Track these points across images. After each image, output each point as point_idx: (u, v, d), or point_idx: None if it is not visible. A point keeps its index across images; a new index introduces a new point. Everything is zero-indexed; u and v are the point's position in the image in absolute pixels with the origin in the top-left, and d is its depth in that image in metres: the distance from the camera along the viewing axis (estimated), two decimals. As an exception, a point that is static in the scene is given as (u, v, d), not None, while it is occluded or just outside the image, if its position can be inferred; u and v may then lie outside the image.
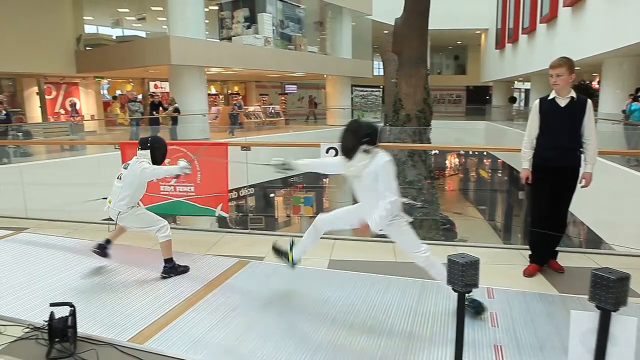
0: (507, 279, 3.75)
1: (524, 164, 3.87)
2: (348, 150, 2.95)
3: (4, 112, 11.89)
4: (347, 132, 2.97)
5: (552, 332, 2.92)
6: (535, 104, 3.82)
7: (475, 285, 1.98)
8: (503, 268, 4.01)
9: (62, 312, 2.76)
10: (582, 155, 3.69)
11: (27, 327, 2.99)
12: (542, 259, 3.95)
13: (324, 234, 3.42)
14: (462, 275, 1.94)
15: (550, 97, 3.71)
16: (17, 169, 6.89)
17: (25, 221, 5.88)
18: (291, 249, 3.47)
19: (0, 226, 5.56)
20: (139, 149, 3.96)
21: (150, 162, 3.91)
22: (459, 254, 2.00)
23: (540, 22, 16.69)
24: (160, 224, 3.94)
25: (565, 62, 3.59)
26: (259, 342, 2.83)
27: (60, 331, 2.71)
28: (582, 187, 3.71)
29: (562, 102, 3.65)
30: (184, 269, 3.99)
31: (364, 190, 3.03)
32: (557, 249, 4.01)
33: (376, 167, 2.88)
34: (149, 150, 3.92)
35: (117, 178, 3.95)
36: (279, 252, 3.50)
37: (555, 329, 2.94)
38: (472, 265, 1.94)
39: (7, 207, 6.28)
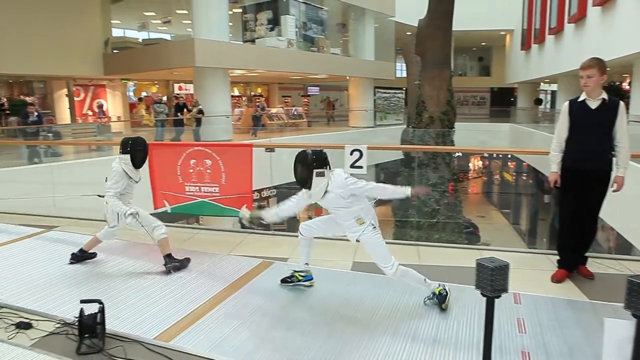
0: (534, 285, 3.67)
1: (552, 167, 3.79)
2: (304, 181, 3.13)
3: (36, 113, 12.25)
4: (296, 164, 3.15)
5: (582, 339, 2.85)
6: (564, 106, 3.73)
7: (505, 290, 1.94)
8: (529, 273, 3.94)
9: (91, 308, 2.82)
10: (614, 159, 3.59)
11: (58, 323, 3.06)
12: (571, 265, 3.85)
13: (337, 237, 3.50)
14: (492, 279, 1.90)
15: (581, 99, 3.62)
16: (48, 169, 7.07)
17: (55, 219, 6.03)
18: (293, 274, 3.64)
19: (31, 224, 5.71)
20: (120, 152, 4.00)
21: (130, 166, 3.96)
22: (488, 258, 1.97)
23: (568, 22, 16.33)
24: (155, 223, 4.04)
25: (597, 63, 3.51)
26: (282, 342, 2.84)
27: (90, 327, 2.77)
28: (613, 191, 3.61)
29: (593, 105, 3.55)
30: (187, 261, 4.11)
31: (336, 210, 3.18)
32: (587, 254, 3.91)
33: (341, 188, 3.06)
34: (129, 155, 3.97)
35: (105, 180, 4.03)
36: (287, 281, 3.66)
37: (586, 337, 2.87)
38: (502, 270, 1.91)
39: (38, 205, 6.45)
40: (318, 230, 3.47)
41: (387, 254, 3.13)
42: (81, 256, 4.26)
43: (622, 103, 3.58)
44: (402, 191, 3.14)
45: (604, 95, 3.54)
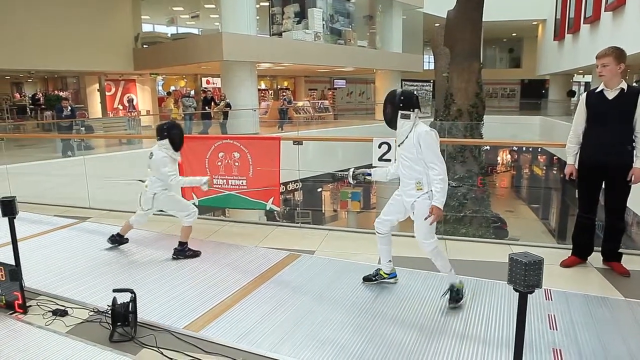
0: (565, 281, 3.58)
1: (569, 159, 3.78)
2: (389, 119, 3.12)
3: (69, 108, 12.62)
4: (385, 103, 3.14)
5: (617, 338, 2.76)
6: (582, 97, 3.68)
7: (539, 286, 1.90)
8: (559, 269, 3.84)
9: (123, 298, 2.90)
10: (635, 151, 3.48)
11: (92, 311, 3.16)
12: (583, 253, 3.86)
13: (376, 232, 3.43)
14: (525, 275, 1.86)
15: (599, 89, 3.55)
16: (81, 162, 7.27)
17: (88, 211, 6.21)
18: (378, 271, 3.58)
19: (66, 215, 5.90)
20: (157, 138, 4.15)
21: (171, 151, 4.13)
22: (522, 253, 1.92)
23: (606, 11, 15.75)
24: (191, 210, 4.23)
25: (612, 52, 3.42)
26: (308, 335, 2.86)
27: (122, 316, 2.85)
28: (630, 183, 3.51)
29: (611, 95, 3.47)
30: (194, 253, 4.23)
31: (406, 162, 3.10)
32: (622, 251, 3.80)
33: (418, 137, 2.99)
34: (167, 140, 4.11)
35: (148, 167, 4.21)
36: (370, 279, 3.59)
37: (621, 336, 2.79)
38: (536, 265, 1.86)
39: (72, 197, 6.65)
40: (392, 218, 3.35)
41: (431, 229, 3.08)
42: (118, 239, 4.49)
43: None
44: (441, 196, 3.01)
45: (623, 85, 3.44)
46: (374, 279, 3.57)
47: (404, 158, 3.12)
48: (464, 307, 3.17)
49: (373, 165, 4.60)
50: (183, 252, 4.20)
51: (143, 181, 4.27)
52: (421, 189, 3.06)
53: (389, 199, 3.36)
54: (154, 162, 4.12)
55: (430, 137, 2.97)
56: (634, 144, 3.46)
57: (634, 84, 3.39)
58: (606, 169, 3.55)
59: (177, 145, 4.18)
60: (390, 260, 3.52)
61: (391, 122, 3.11)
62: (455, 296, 3.17)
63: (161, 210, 4.43)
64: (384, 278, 3.55)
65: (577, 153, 3.71)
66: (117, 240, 4.49)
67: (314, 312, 3.16)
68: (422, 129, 3.01)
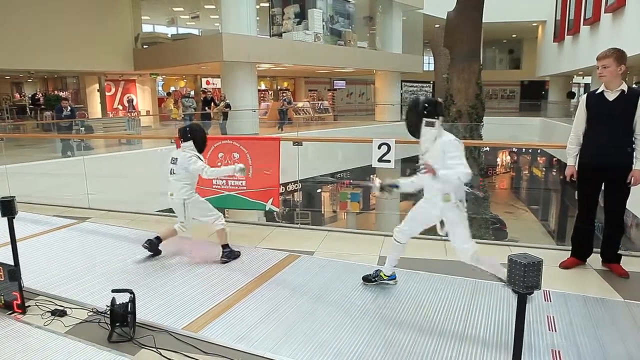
0: (564, 282, 3.58)
1: (569, 160, 3.78)
2: (412, 128, 3.05)
3: (69, 108, 12.62)
4: (408, 111, 3.08)
5: (616, 339, 2.76)
6: (582, 98, 3.70)
7: (538, 287, 1.90)
8: (558, 270, 3.84)
9: (122, 298, 2.89)
10: (634, 153, 3.48)
11: (91, 311, 3.16)
12: (582, 254, 3.87)
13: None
14: (524, 276, 1.86)
15: (599, 90, 3.55)
16: (81, 162, 7.26)
17: (87, 211, 6.20)
18: (379, 272, 3.55)
19: (65, 215, 5.89)
20: (181, 141, 4.12)
21: (196, 152, 4.08)
22: (521, 254, 1.92)
23: (605, 12, 15.76)
24: (217, 214, 4.20)
25: (613, 53, 3.43)
26: (307, 336, 2.85)
27: (121, 316, 2.85)
28: (630, 185, 3.52)
29: (611, 96, 3.47)
30: (238, 254, 4.23)
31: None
32: (621, 252, 3.80)
33: (443, 145, 2.92)
34: (191, 141, 4.08)
35: (170, 173, 4.11)
36: (370, 279, 3.56)
37: (620, 337, 2.79)
38: (535, 267, 1.86)
39: (71, 197, 6.65)
40: (413, 229, 3.31)
41: (468, 233, 3.02)
42: (155, 243, 4.22)
43: None
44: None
45: (624, 87, 3.44)
46: (373, 280, 3.55)
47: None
48: (463, 308, 3.17)
49: (373, 166, 4.61)
50: (232, 253, 4.16)
51: (172, 194, 4.13)
52: (449, 200, 2.99)
53: (413, 207, 3.27)
54: (180, 165, 4.05)
55: (454, 145, 2.91)
56: (634, 145, 3.46)
57: (634, 86, 3.41)
58: (606, 171, 3.55)
59: (200, 146, 4.14)
60: (395, 266, 3.50)
61: (414, 131, 3.05)
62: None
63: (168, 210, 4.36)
64: (383, 280, 3.53)
65: (577, 154, 3.71)
66: (154, 246, 4.21)
67: (313, 313, 3.16)
68: (447, 138, 2.95)
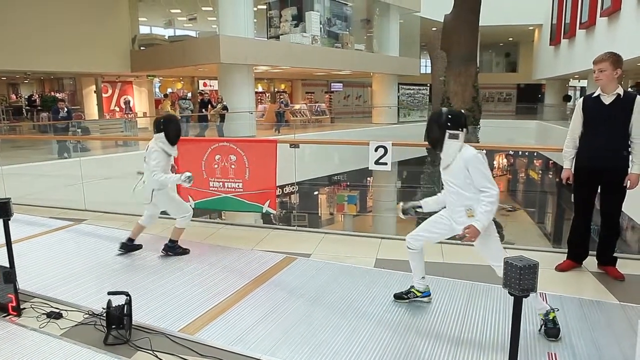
0: (560, 285, 3.59)
1: (565, 163, 3.79)
2: (435, 140, 2.92)
3: (66, 109, 12.58)
4: (430, 123, 2.96)
5: (611, 342, 2.77)
6: (578, 102, 3.71)
7: (533, 290, 1.90)
8: (554, 273, 3.85)
9: (118, 300, 2.89)
10: (630, 156, 3.50)
11: (87, 313, 3.15)
12: (578, 257, 3.87)
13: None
14: (520, 279, 1.87)
15: (595, 94, 3.58)
16: (77, 163, 7.24)
17: (84, 213, 6.18)
18: (411, 289, 3.35)
19: (61, 217, 5.87)
20: (154, 131, 4.14)
21: (165, 145, 4.09)
22: (517, 257, 1.93)
23: (601, 16, 15.86)
24: (188, 213, 4.24)
25: (609, 57, 3.45)
26: (304, 338, 2.85)
27: (117, 319, 2.84)
28: (627, 189, 3.55)
29: (607, 100, 3.49)
30: (183, 251, 4.29)
31: (454, 187, 2.91)
32: (616, 255, 3.81)
33: (465, 161, 2.81)
34: (162, 133, 4.09)
35: (144, 160, 4.19)
36: (402, 297, 3.35)
37: (615, 339, 2.79)
38: (531, 269, 1.87)
39: (68, 199, 6.63)
40: (432, 236, 3.16)
41: (500, 251, 2.87)
42: (130, 245, 4.38)
43: (639, 97, 3.47)
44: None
45: (619, 90, 3.46)
46: (405, 296, 3.33)
47: (450, 184, 2.93)
48: (460, 311, 3.17)
49: (370, 168, 4.62)
50: (174, 248, 4.26)
51: (141, 173, 4.23)
52: (473, 216, 2.85)
53: (432, 216, 3.14)
54: (147, 154, 4.12)
55: (478, 160, 2.80)
56: (630, 149, 3.48)
57: (629, 89, 3.44)
58: (602, 174, 3.57)
59: (171, 139, 4.12)
60: (423, 277, 3.28)
61: (437, 144, 2.90)
62: (552, 328, 2.82)
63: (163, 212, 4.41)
64: (417, 297, 3.30)
65: (573, 157, 3.73)
66: (129, 246, 4.37)
67: (309, 315, 3.15)
68: (469, 152, 2.84)
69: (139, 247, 4.45)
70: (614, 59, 3.44)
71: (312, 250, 4.48)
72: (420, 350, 2.71)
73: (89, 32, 16.55)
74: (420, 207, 3.20)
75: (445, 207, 3.09)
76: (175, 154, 4.29)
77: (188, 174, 4.08)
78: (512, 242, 10.66)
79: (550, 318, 2.84)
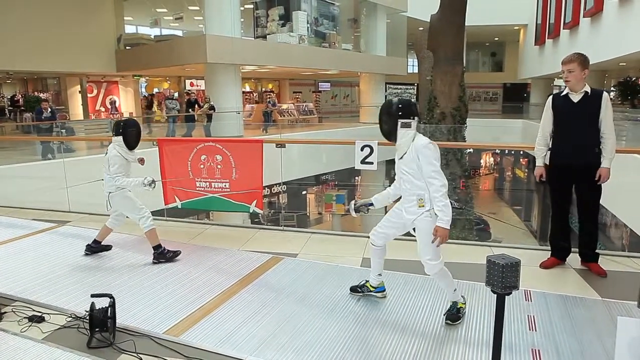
0: (544, 282, 3.63)
1: (537, 160, 3.86)
2: (389, 131, 2.92)
3: (49, 109, 12.41)
4: (382, 114, 2.95)
5: (593, 338, 2.81)
6: (548, 100, 3.79)
7: (516, 287, 1.92)
8: (540, 270, 3.89)
9: (102, 303, 2.85)
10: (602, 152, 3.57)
11: (70, 316, 3.10)
12: (561, 254, 3.92)
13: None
14: (502, 277, 1.88)
15: (564, 93, 3.67)
16: (61, 165, 7.14)
17: (68, 214, 6.10)
18: (365, 284, 3.42)
19: (44, 219, 5.79)
20: (112, 134, 4.07)
21: (124, 148, 4.02)
22: (499, 255, 1.94)
23: (584, 17, 16.08)
24: (142, 213, 4.09)
25: (577, 58, 3.54)
26: (290, 338, 2.84)
27: (101, 321, 2.80)
28: (597, 183, 3.60)
29: (576, 98, 3.58)
30: (174, 254, 4.17)
31: (407, 177, 2.92)
32: (599, 251, 3.87)
33: (417, 149, 2.82)
34: (121, 136, 4.03)
35: (104, 165, 4.13)
36: (357, 290, 3.43)
37: (597, 335, 2.83)
38: (513, 267, 1.88)
39: (51, 201, 6.53)
40: (389, 231, 3.16)
41: (438, 249, 2.87)
42: (96, 247, 4.36)
43: (606, 94, 3.59)
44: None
45: (587, 89, 3.56)
46: (360, 290, 3.41)
47: (403, 172, 2.94)
48: (446, 309, 3.19)
49: (356, 168, 4.62)
50: (163, 254, 4.13)
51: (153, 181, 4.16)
52: (423, 206, 2.87)
53: (389, 211, 3.17)
54: (106, 160, 4.06)
55: (429, 149, 2.80)
56: (601, 145, 3.55)
57: (612, 89, 3.50)
58: (575, 171, 3.64)
59: (130, 144, 4.06)
60: (380, 274, 3.34)
61: (391, 134, 2.91)
62: (455, 314, 3.01)
63: None
64: (371, 291, 3.39)
65: (545, 155, 3.80)
66: (95, 249, 4.35)
67: (296, 315, 3.15)
68: (420, 141, 2.84)
69: (109, 247, 4.43)
70: (582, 60, 3.54)
71: (299, 250, 4.47)
72: (406, 348, 2.72)
73: (73, 32, 16.34)
74: (372, 204, 3.24)
75: (398, 200, 3.13)
76: (133, 160, 4.17)
77: (150, 178, 4.04)
78: (498, 240, 10.77)
79: (457, 306, 3.03)
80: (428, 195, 2.85)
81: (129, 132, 4.05)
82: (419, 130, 2.99)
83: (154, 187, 4.08)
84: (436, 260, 2.90)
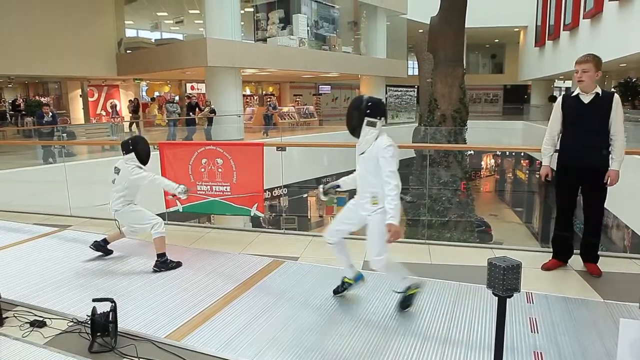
0: (546, 284, 3.63)
1: (544, 160, 3.84)
2: (353, 127, 2.98)
3: (51, 114, 12.44)
4: (350, 109, 3.00)
5: (595, 339, 2.80)
6: (558, 100, 3.77)
7: (517, 290, 1.92)
8: (541, 272, 3.88)
9: (103, 307, 2.85)
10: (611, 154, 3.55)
11: (71, 321, 3.10)
12: (563, 256, 3.91)
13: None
14: (503, 279, 1.88)
15: (574, 93, 3.65)
16: (62, 169, 7.15)
17: (69, 219, 6.11)
18: (344, 280, 3.47)
19: (46, 223, 5.79)
20: (123, 153, 4.10)
21: (139, 164, 4.06)
22: (500, 257, 1.94)
23: (584, 18, 16.09)
24: (154, 221, 4.10)
25: (593, 59, 3.53)
26: (292, 342, 2.84)
27: (102, 326, 2.80)
28: (607, 185, 3.59)
29: (586, 99, 3.56)
30: (177, 264, 4.14)
31: (365, 173, 3.01)
32: (601, 253, 3.86)
33: (377, 149, 2.88)
34: (133, 153, 4.06)
35: (112, 182, 4.12)
36: (338, 291, 3.48)
37: (599, 337, 2.82)
38: (514, 270, 1.88)
39: (52, 205, 6.54)
40: (344, 227, 3.24)
41: (385, 245, 2.95)
42: (102, 246, 4.36)
43: (617, 96, 3.57)
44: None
45: (598, 90, 3.54)
46: (341, 290, 3.45)
47: (362, 169, 3.01)
48: (447, 311, 3.19)
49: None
50: (165, 263, 4.08)
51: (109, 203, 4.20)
52: (376, 204, 2.95)
53: (343, 209, 3.27)
54: (123, 176, 4.05)
55: (389, 151, 2.85)
56: (610, 147, 3.53)
57: (612, 90, 3.49)
58: (583, 172, 3.62)
59: (143, 159, 4.10)
60: (351, 265, 3.39)
61: (355, 130, 2.96)
62: (404, 302, 3.16)
63: None
64: (351, 284, 3.44)
65: (552, 155, 3.78)
66: (101, 247, 4.36)
67: (297, 319, 3.14)
68: (382, 142, 2.88)
69: (110, 252, 4.43)
70: (597, 61, 3.52)
71: (300, 253, 4.47)
72: (407, 351, 2.71)
73: (74, 36, 16.38)
74: (339, 186, 3.30)
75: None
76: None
77: (184, 186, 4.18)
78: (500, 242, 10.76)
79: (409, 293, 3.15)
80: (382, 193, 2.90)
81: (140, 149, 4.09)
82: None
83: (187, 196, 4.23)
84: (381, 255, 3.01)
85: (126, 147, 4.09)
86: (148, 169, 4.19)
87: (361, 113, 2.92)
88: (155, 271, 4.04)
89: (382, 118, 2.95)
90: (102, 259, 4.36)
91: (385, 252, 3.00)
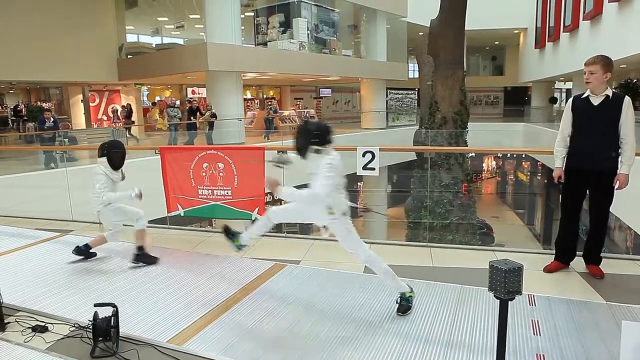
0: (548, 286, 3.62)
1: (556, 162, 3.80)
2: (300, 150, 3.04)
3: (52, 119, 12.48)
4: (299, 132, 3.07)
5: (598, 342, 2.79)
6: (568, 102, 3.75)
7: (519, 293, 1.91)
8: (543, 274, 3.88)
9: (105, 312, 2.85)
10: (620, 157, 3.53)
11: (73, 326, 3.10)
12: (565, 258, 3.89)
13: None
14: (505, 282, 1.88)
15: (584, 95, 3.61)
16: (64, 174, 7.17)
17: (71, 223, 6.11)
18: (238, 235, 3.61)
19: (48, 228, 5.80)
20: (98, 155, 4.17)
21: (109, 169, 4.11)
22: (502, 260, 1.94)
23: (584, 19, 16.11)
24: (137, 215, 4.22)
25: (601, 60, 3.49)
26: (294, 346, 2.84)
27: (104, 331, 2.79)
28: (616, 189, 3.57)
29: (596, 101, 3.53)
30: (154, 258, 4.26)
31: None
32: (603, 255, 3.85)
33: (321, 165, 2.94)
34: (105, 157, 4.12)
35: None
36: (228, 233, 3.61)
37: (602, 339, 2.81)
38: (515, 272, 1.88)
39: (54, 210, 6.55)
40: (287, 217, 3.47)
41: (357, 240, 3.12)
42: (84, 251, 4.43)
43: (627, 98, 3.52)
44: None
45: (608, 92, 3.50)
46: (231, 235, 3.61)
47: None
48: (449, 314, 3.18)
49: (357, 174, 4.63)
50: (144, 255, 4.24)
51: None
52: (333, 213, 3.04)
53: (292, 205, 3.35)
54: (93, 177, 4.14)
55: (327, 167, 2.89)
56: (619, 150, 3.51)
57: (613, 91, 3.46)
58: (591, 175, 3.58)
59: (115, 164, 4.15)
60: (251, 238, 3.60)
61: (301, 152, 3.02)
62: (405, 304, 3.21)
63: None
64: (234, 243, 3.59)
65: (564, 157, 3.72)
66: (83, 252, 4.42)
67: (299, 322, 3.14)
68: (324, 160, 2.91)
69: (93, 254, 4.50)
70: (605, 62, 3.48)
71: (301, 256, 4.47)
72: (410, 354, 2.70)
73: (75, 41, 16.45)
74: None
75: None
76: (118, 179, 4.25)
77: (137, 189, 4.12)
78: (502, 244, 10.73)
79: (407, 296, 3.20)
80: (334, 202, 3.01)
81: (113, 153, 4.15)
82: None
83: (142, 197, 4.15)
84: (358, 248, 3.14)
85: (100, 151, 4.17)
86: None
87: (307, 140, 2.97)
88: (134, 263, 4.17)
89: (329, 145, 3.00)
90: (102, 265, 4.36)
91: (361, 247, 3.14)
